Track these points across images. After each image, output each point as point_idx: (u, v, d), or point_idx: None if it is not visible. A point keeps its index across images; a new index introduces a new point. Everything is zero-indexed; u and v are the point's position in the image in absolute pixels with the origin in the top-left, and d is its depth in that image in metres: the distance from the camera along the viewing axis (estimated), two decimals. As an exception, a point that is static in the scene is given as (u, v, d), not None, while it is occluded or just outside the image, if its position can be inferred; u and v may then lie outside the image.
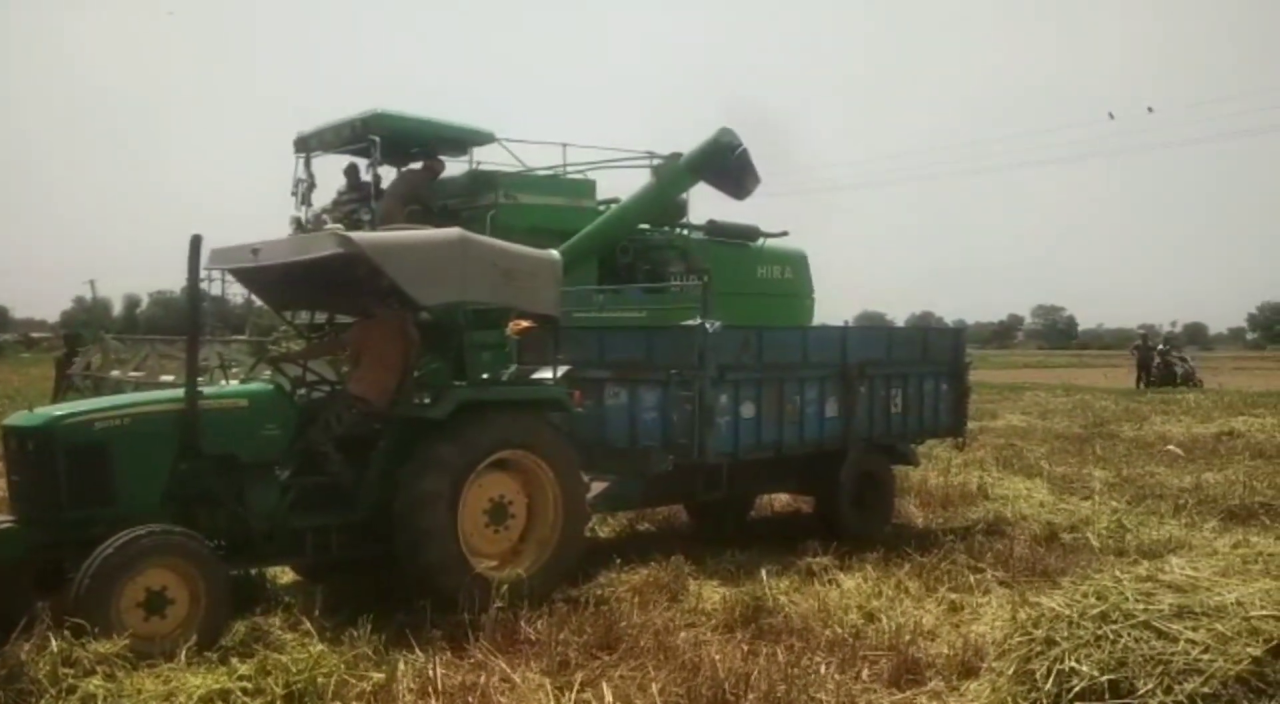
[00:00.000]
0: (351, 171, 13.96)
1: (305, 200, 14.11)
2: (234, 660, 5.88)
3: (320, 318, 10.06)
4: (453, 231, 7.64)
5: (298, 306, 8.97)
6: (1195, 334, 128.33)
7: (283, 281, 8.05)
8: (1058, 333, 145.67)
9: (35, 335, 76.69)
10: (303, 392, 7.87)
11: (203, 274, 10.57)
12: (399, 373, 7.61)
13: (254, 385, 7.52)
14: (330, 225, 13.37)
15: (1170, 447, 16.91)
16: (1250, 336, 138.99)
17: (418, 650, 6.32)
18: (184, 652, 5.85)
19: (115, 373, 13.88)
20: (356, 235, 7.43)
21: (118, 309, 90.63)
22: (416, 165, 13.92)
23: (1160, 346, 39.61)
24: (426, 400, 7.55)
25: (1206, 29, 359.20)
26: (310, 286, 8.21)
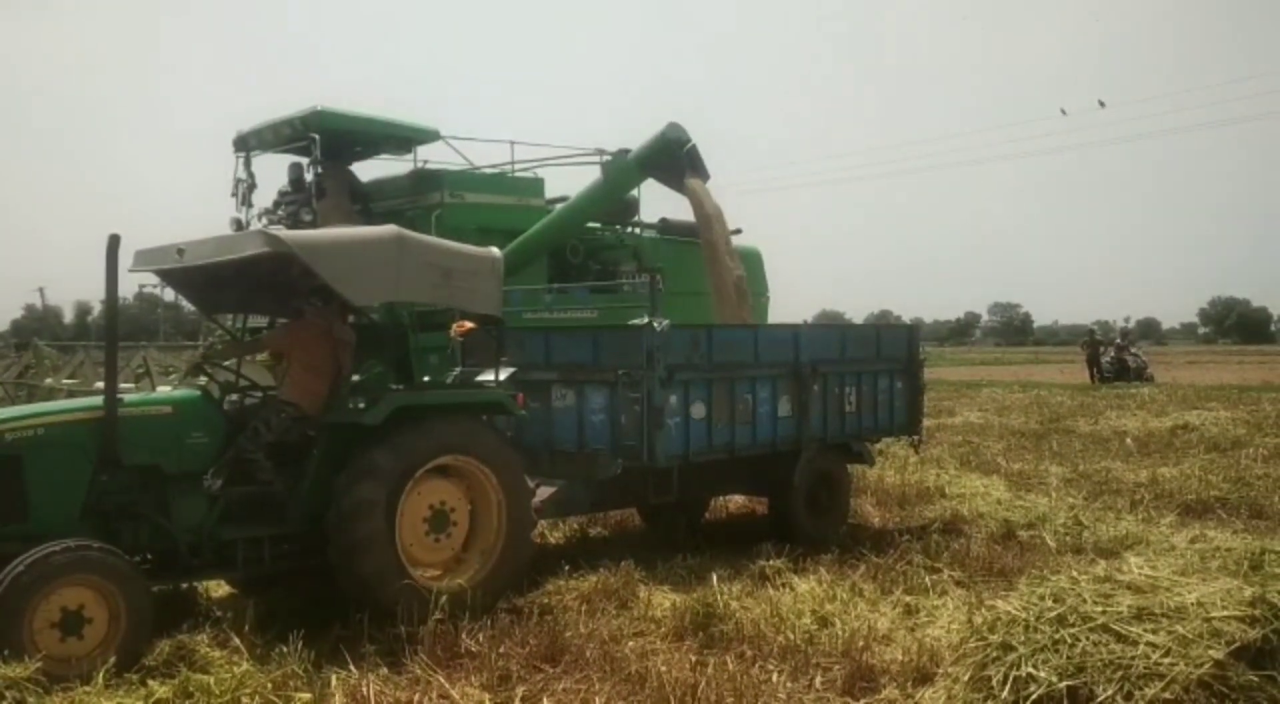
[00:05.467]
0: (295, 171, 13.62)
1: (246, 201, 13.75)
2: (153, 682, 5.63)
3: (260, 321, 9.76)
4: (387, 229, 7.34)
5: (228, 309, 8.62)
6: (1148, 329, 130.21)
7: (211, 283, 7.73)
8: (1014, 330, 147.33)
9: (-17, 344, 75.29)
10: (234, 398, 7.56)
11: (153, 279, 10.27)
12: (330, 377, 7.32)
13: (179, 392, 7.21)
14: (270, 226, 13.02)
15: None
16: (1202, 331, 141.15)
17: (352, 666, 6.06)
18: (101, 674, 5.60)
19: (49, 380, 13.47)
20: (285, 234, 7.14)
21: (69, 316, 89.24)
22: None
23: (1117, 341, 39.88)
24: (362, 405, 7.26)
25: (1158, 24, 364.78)
26: (241, 288, 7.89)
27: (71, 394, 11.82)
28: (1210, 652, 4.56)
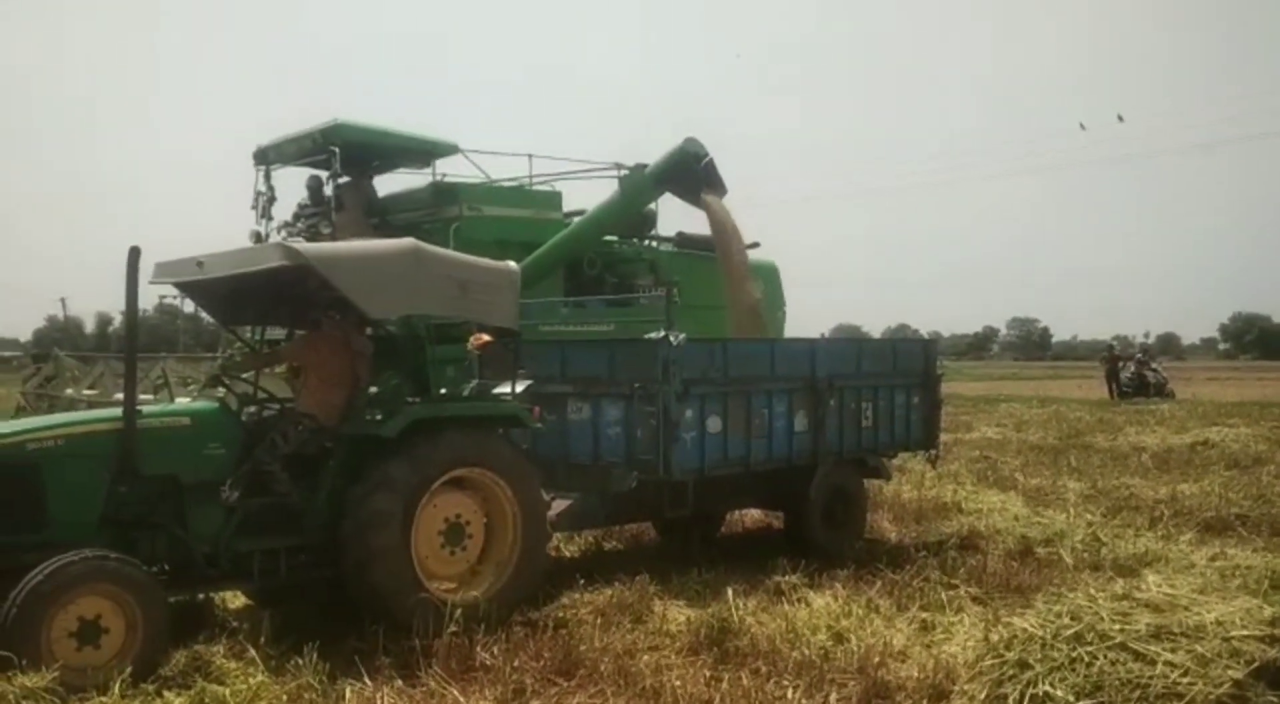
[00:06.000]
0: (314, 184, 13.70)
1: (265, 214, 13.84)
2: (169, 693, 5.68)
3: (278, 333, 9.82)
4: (405, 242, 7.40)
5: (247, 321, 8.70)
6: (1168, 344, 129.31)
7: (231, 295, 7.79)
8: (1032, 345, 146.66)
9: (5, 354, 75.78)
10: (252, 409, 7.60)
11: (173, 291, 10.36)
12: (347, 388, 7.36)
13: (197, 403, 7.25)
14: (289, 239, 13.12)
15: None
16: (1222, 347, 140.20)
17: (366, 679, 6.05)
18: (118, 684, 5.62)
19: (69, 391, 13.57)
20: (303, 246, 7.18)
21: (90, 327, 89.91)
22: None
23: (1138, 356, 39.61)
24: (379, 417, 7.28)
25: (1178, 38, 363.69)
26: (260, 300, 7.96)
27: (91, 405, 11.90)
28: (1229, 671, 4.53)
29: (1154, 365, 38.83)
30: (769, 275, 15.84)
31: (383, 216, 13.46)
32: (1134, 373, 37.01)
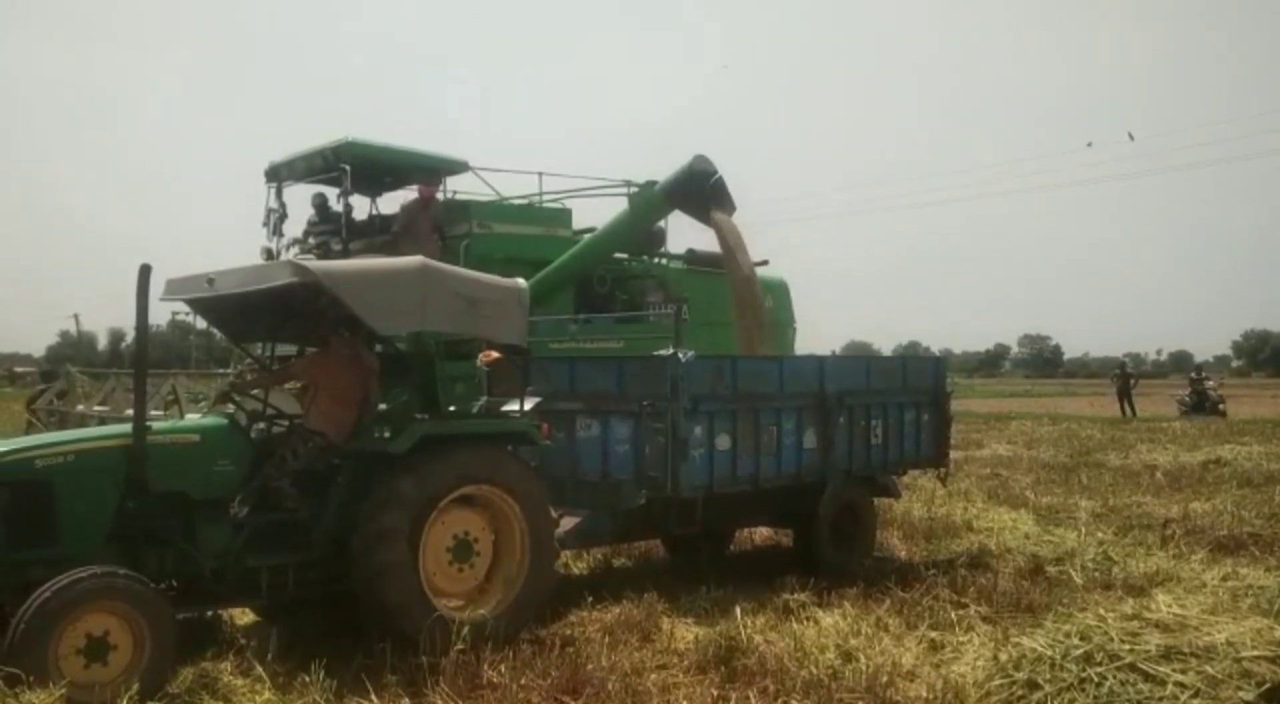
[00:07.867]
0: (319, 201, 13.76)
1: (277, 230, 13.93)
2: (175, 710, 5.63)
3: (289, 350, 9.86)
4: (413, 259, 7.43)
5: (257, 338, 8.73)
6: (1181, 361, 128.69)
7: (241, 312, 7.82)
8: (1044, 362, 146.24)
9: (19, 369, 76.16)
10: (262, 426, 7.62)
11: (185, 308, 10.39)
12: (356, 405, 7.37)
13: (206, 420, 7.26)
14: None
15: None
16: (1235, 364, 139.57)
17: (374, 696, 6.06)
18: (125, 701, 5.60)
19: (80, 407, 13.62)
20: (313, 264, 7.21)
21: (103, 343, 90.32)
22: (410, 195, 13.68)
23: (1191, 375, 39.77)
24: (388, 434, 7.29)
25: (1189, 56, 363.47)
26: (270, 317, 7.98)
27: (103, 421, 11.94)
28: (1240, 693, 4.50)
29: (1210, 383, 38.74)
30: (779, 292, 15.87)
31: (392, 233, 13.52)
32: (1192, 391, 37.00)
